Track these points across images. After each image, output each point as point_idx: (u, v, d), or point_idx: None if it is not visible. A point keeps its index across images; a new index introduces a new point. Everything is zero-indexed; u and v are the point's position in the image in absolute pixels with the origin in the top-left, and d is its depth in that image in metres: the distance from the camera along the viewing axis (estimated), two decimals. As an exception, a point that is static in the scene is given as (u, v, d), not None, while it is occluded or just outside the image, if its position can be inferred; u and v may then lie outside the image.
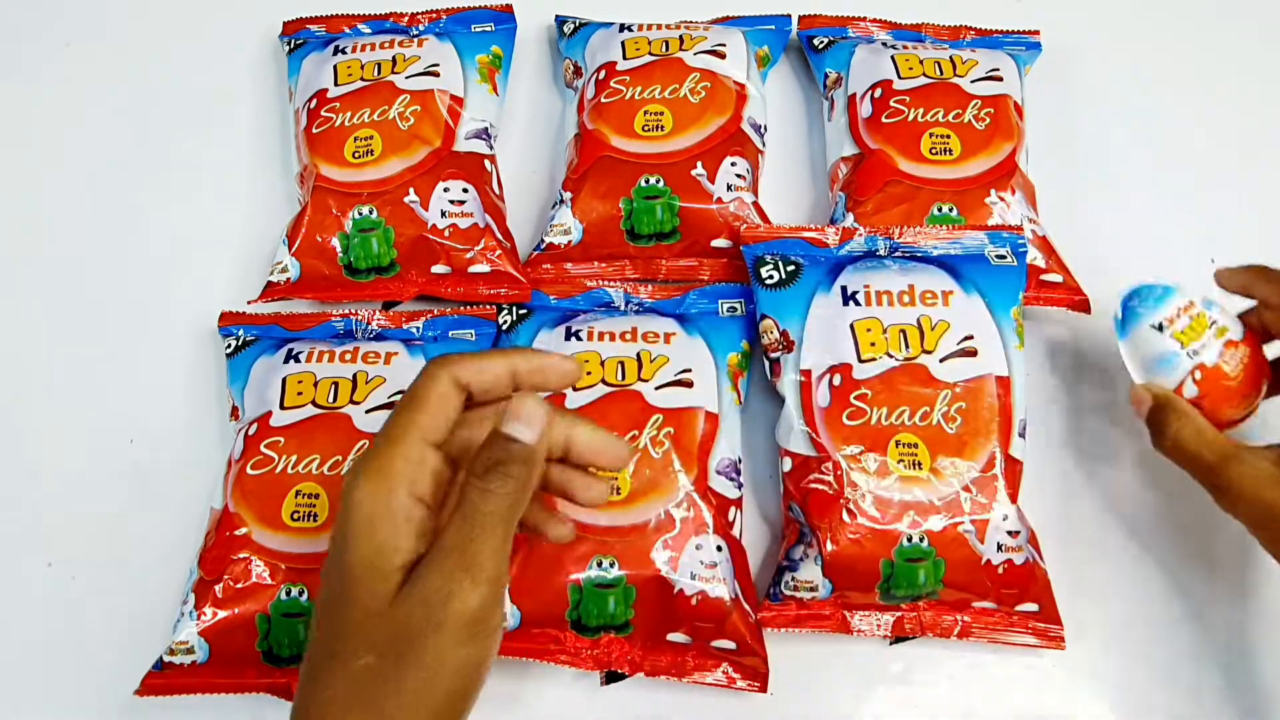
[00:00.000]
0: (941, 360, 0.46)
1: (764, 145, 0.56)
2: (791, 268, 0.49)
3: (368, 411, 0.47)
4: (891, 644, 0.47)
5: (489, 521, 0.31)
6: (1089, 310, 0.52)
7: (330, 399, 0.47)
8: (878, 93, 0.55)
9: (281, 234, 0.54)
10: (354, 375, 0.48)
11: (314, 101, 0.55)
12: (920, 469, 0.44)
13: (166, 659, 0.43)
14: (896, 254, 0.50)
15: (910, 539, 0.44)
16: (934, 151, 0.53)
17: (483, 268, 0.52)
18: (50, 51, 0.62)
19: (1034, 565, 0.45)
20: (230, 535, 0.44)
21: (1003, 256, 0.49)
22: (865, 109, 0.55)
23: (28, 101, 0.61)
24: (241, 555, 0.44)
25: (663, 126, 0.53)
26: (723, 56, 0.56)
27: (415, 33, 0.58)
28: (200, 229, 0.57)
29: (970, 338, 0.47)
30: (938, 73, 0.55)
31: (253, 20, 0.62)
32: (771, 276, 0.49)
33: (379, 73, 0.55)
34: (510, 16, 0.60)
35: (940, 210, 0.52)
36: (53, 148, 0.59)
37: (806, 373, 0.47)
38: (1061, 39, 0.61)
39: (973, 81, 0.55)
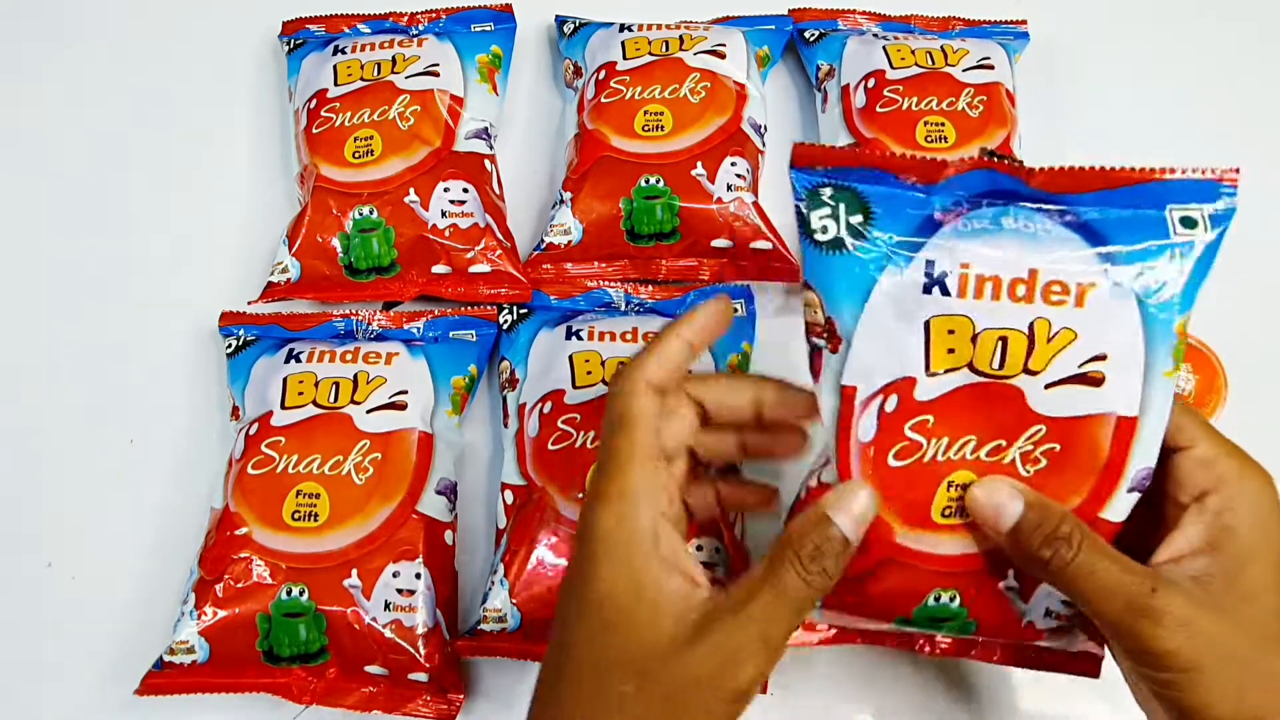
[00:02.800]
0: (1049, 386, 0.33)
1: (764, 145, 0.56)
2: (858, 217, 0.32)
3: (368, 412, 0.47)
4: None
5: (798, 606, 0.31)
6: None
7: (331, 399, 0.47)
8: (871, 83, 0.55)
9: (281, 234, 0.54)
10: (355, 375, 0.48)
11: (314, 101, 0.55)
12: (964, 517, 0.34)
13: (166, 659, 0.43)
14: (1036, 206, 0.32)
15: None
16: (929, 139, 0.53)
17: (483, 268, 0.52)
18: (50, 51, 0.62)
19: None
20: (231, 535, 0.44)
21: (1192, 224, 0.32)
22: (859, 99, 0.55)
23: (28, 101, 0.61)
24: (242, 555, 0.44)
25: (663, 126, 0.54)
26: (723, 56, 0.56)
27: (415, 33, 0.58)
28: (200, 229, 0.57)
29: (1101, 358, 0.32)
30: (930, 62, 0.55)
31: (252, 20, 0.62)
32: (826, 229, 0.33)
33: (379, 73, 0.55)
34: (510, 16, 0.60)
35: None
36: (53, 148, 0.59)
37: (850, 390, 0.33)
38: (1049, 28, 0.61)
39: (965, 70, 0.55)
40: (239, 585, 0.44)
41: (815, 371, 0.34)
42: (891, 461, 0.33)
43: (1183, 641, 0.30)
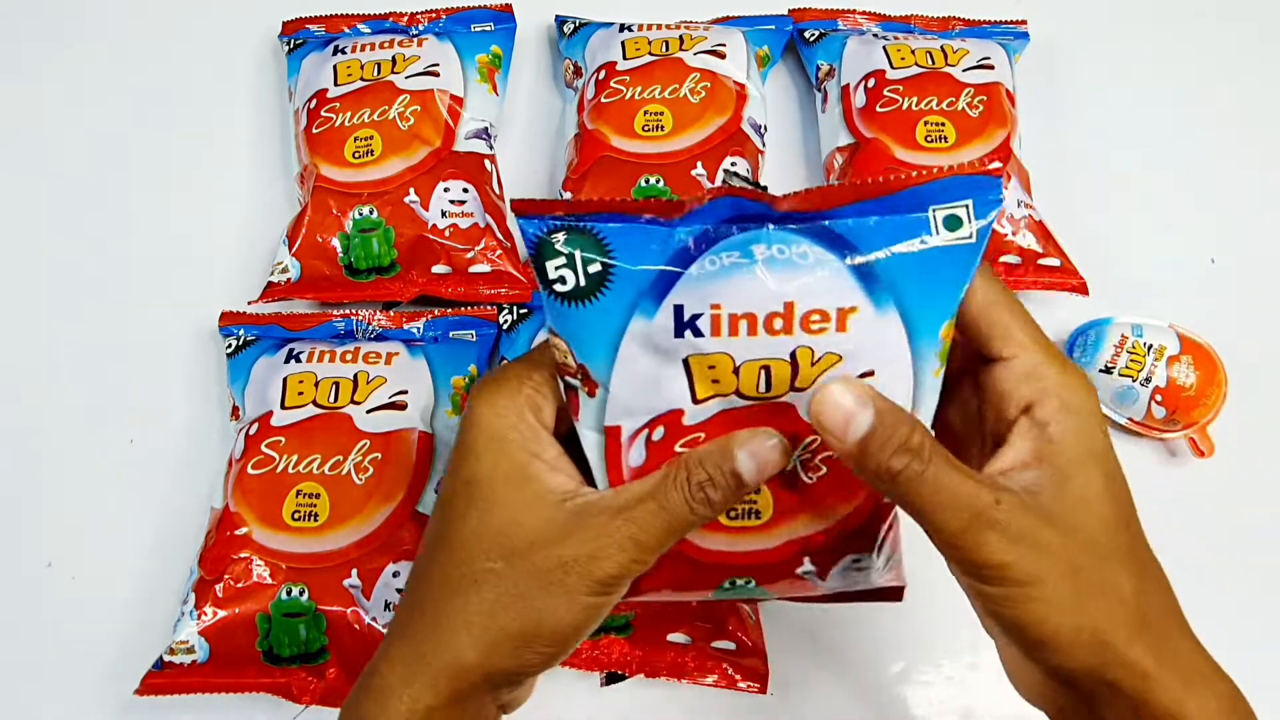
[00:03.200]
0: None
1: (764, 145, 0.56)
2: (597, 265, 0.30)
3: (368, 411, 0.47)
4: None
5: (676, 525, 0.32)
6: (1086, 293, 0.52)
7: (331, 399, 0.47)
8: (871, 83, 0.55)
9: (282, 234, 0.54)
10: (355, 375, 0.48)
11: (314, 101, 0.55)
12: (758, 518, 0.35)
13: (166, 658, 0.43)
14: (790, 226, 0.30)
15: None
16: (929, 139, 0.53)
17: (483, 268, 0.52)
18: (50, 51, 0.62)
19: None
20: (231, 535, 0.44)
21: (955, 224, 0.30)
22: (859, 99, 0.55)
23: (28, 101, 0.61)
24: (242, 555, 0.44)
25: (663, 126, 0.54)
26: (723, 56, 0.56)
27: (415, 33, 0.58)
28: (200, 229, 0.57)
29: (869, 374, 0.31)
30: (930, 62, 0.55)
31: (252, 20, 0.62)
32: (564, 279, 0.30)
33: (379, 73, 0.55)
34: (510, 16, 0.60)
35: None
36: (53, 148, 0.59)
37: (614, 429, 0.32)
38: (1049, 28, 0.61)
39: (965, 70, 0.55)
40: (239, 585, 0.44)
41: (573, 410, 0.33)
42: None
43: (1020, 554, 0.29)
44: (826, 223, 0.30)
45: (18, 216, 0.57)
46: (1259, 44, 0.63)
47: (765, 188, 0.31)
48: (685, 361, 0.31)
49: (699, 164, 0.53)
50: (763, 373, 0.31)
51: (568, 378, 0.32)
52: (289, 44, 0.59)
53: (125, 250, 0.56)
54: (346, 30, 0.59)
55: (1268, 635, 0.47)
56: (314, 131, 0.54)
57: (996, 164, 0.30)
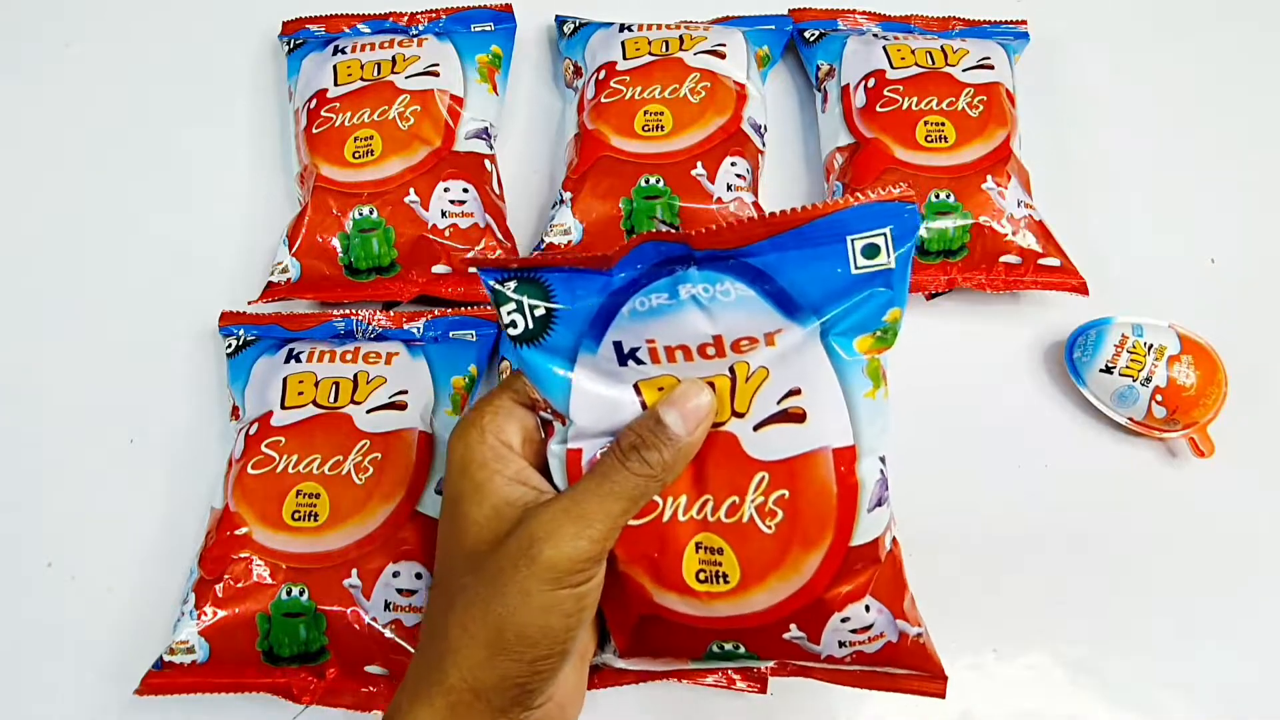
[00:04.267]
0: (757, 428, 0.34)
1: (764, 145, 0.56)
2: (541, 310, 0.34)
3: (368, 411, 0.47)
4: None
5: (614, 492, 0.33)
6: (1086, 293, 0.52)
7: (331, 399, 0.47)
8: (871, 83, 0.55)
9: (282, 234, 0.54)
10: (355, 375, 0.48)
11: (314, 101, 0.55)
12: (726, 582, 0.35)
13: (166, 658, 0.43)
14: (712, 267, 0.32)
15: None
16: (929, 139, 0.53)
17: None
18: (50, 51, 0.62)
19: (897, 645, 0.38)
20: (231, 535, 0.44)
21: (874, 252, 0.32)
22: (859, 99, 0.55)
23: (28, 101, 0.61)
24: (242, 555, 0.44)
25: (663, 126, 0.54)
26: (723, 56, 0.56)
27: (415, 32, 0.58)
28: (200, 229, 0.57)
29: (796, 392, 0.34)
30: (930, 62, 0.55)
31: (252, 20, 0.62)
32: (515, 323, 0.34)
33: (379, 73, 0.55)
34: (510, 16, 0.60)
35: (937, 197, 0.52)
36: (53, 148, 0.59)
37: (575, 452, 0.35)
38: (1049, 28, 0.61)
39: (965, 70, 0.55)
40: (239, 585, 0.44)
41: (548, 435, 0.36)
42: (632, 521, 0.34)
43: None
44: (748, 260, 0.32)
45: (18, 216, 0.57)
46: (1259, 44, 0.63)
47: (677, 228, 0.33)
48: (635, 386, 0.34)
49: (699, 164, 0.53)
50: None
51: (541, 413, 0.36)
52: (289, 44, 0.59)
53: (125, 250, 0.56)
54: (346, 30, 0.59)
55: (1268, 635, 0.47)
56: (314, 131, 0.54)
57: (910, 191, 0.31)
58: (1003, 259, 0.52)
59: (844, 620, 0.36)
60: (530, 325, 0.34)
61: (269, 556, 0.44)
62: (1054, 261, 0.52)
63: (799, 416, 0.34)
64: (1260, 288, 0.55)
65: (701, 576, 0.34)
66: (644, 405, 0.34)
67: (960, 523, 0.49)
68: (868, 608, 0.36)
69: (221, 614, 0.43)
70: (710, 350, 0.33)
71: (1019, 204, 0.52)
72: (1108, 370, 0.49)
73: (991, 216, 0.52)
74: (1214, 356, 0.49)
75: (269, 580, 0.44)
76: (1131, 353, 0.49)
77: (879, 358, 0.33)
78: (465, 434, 0.35)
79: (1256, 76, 0.62)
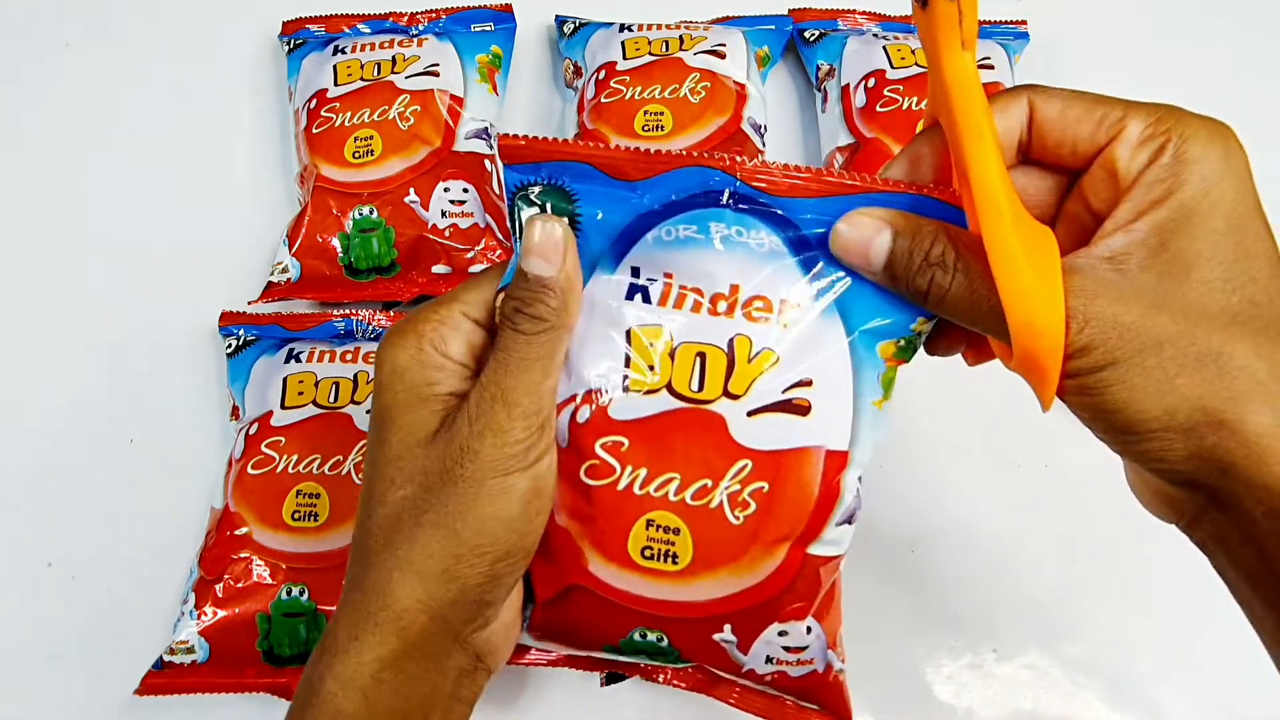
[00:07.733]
0: (752, 414, 0.31)
1: (764, 145, 0.56)
2: (566, 219, 0.31)
3: (369, 411, 0.47)
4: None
5: (524, 362, 0.30)
6: None
7: (331, 399, 0.47)
8: (871, 82, 0.55)
9: (282, 234, 0.54)
10: (355, 375, 0.48)
11: (314, 101, 0.55)
12: (675, 563, 0.32)
13: (166, 658, 0.43)
14: (749, 209, 0.30)
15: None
16: None
17: (483, 268, 0.52)
18: (50, 51, 0.62)
19: (821, 675, 0.36)
20: (231, 535, 0.44)
21: None
22: (859, 99, 0.55)
23: (28, 101, 0.61)
24: (242, 555, 0.44)
25: (663, 126, 0.54)
26: (723, 56, 0.56)
27: (415, 32, 0.58)
28: (200, 229, 0.57)
29: (806, 383, 0.31)
30: None
31: (252, 20, 0.62)
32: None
33: (379, 73, 0.55)
34: (510, 16, 0.60)
35: None
36: (53, 148, 0.59)
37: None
38: (1049, 28, 0.61)
39: None
40: (239, 585, 0.44)
41: None
42: (585, 479, 0.32)
43: (1088, 338, 0.26)
44: (788, 214, 0.30)
45: (17, 217, 0.57)
46: (1259, 44, 0.63)
47: (734, 156, 0.31)
48: (628, 333, 0.31)
49: (699, 164, 0.53)
50: (698, 360, 0.31)
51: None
52: (289, 44, 0.59)
53: (125, 250, 0.56)
54: (346, 30, 0.59)
55: None
56: (314, 131, 0.54)
57: (949, 189, 0.30)
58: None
59: (781, 634, 0.34)
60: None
61: (269, 556, 0.44)
62: None
63: (803, 409, 0.31)
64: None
65: (647, 554, 0.32)
66: (627, 363, 0.32)
67: (960, 523, 0.49)
68: (809, 629, 0.34)
69: (221, 614, 0.43)
70: (721, 305, 0.30)
71: (1019, 204, 0.52)
72: None
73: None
74: None
75: (269, 580, 0.44)
76: None
77: (895, 369, 0.31)
78: (400, 340, 0.31)
79: (1257, 76, 0.62)
